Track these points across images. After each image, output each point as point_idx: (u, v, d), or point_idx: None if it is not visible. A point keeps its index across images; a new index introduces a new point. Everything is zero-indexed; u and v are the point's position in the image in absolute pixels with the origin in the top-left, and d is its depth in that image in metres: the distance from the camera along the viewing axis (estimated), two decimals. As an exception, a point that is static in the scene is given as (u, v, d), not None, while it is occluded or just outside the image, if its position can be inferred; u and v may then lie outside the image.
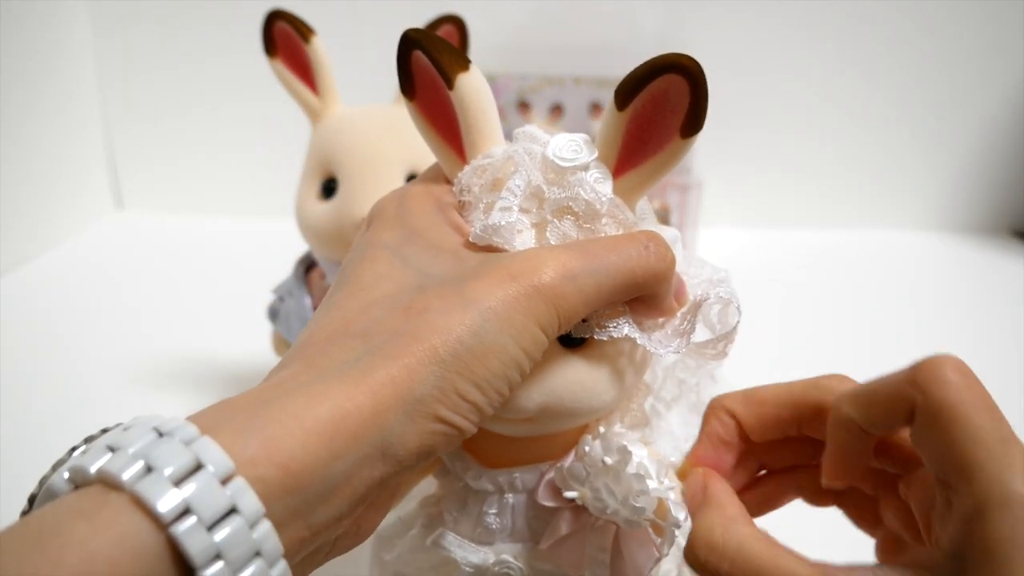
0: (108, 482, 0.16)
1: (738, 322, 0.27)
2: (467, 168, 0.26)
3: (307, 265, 0.45)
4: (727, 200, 0.90)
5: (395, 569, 0.31)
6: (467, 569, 0.28)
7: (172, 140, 0.94)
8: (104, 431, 0.19)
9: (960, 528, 0.19)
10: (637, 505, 0.25)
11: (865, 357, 0.65)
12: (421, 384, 0.19)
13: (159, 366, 0.60)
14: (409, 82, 0.26)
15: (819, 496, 0.27)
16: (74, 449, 0.19)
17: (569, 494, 0.26)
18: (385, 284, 0.22)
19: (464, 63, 0.25)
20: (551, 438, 0.28)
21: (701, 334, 0.27)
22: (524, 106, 0.85)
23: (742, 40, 0.84)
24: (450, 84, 0.25)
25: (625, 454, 0.26)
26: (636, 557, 0.27)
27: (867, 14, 0.83)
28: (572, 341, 0.25)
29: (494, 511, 0.29)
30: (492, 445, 0.28)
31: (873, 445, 0.24)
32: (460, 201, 0.26)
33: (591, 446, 0.27)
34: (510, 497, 0.29)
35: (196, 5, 0.87)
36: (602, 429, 0.28)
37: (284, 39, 0.41)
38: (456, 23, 0.41)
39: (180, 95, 0.92)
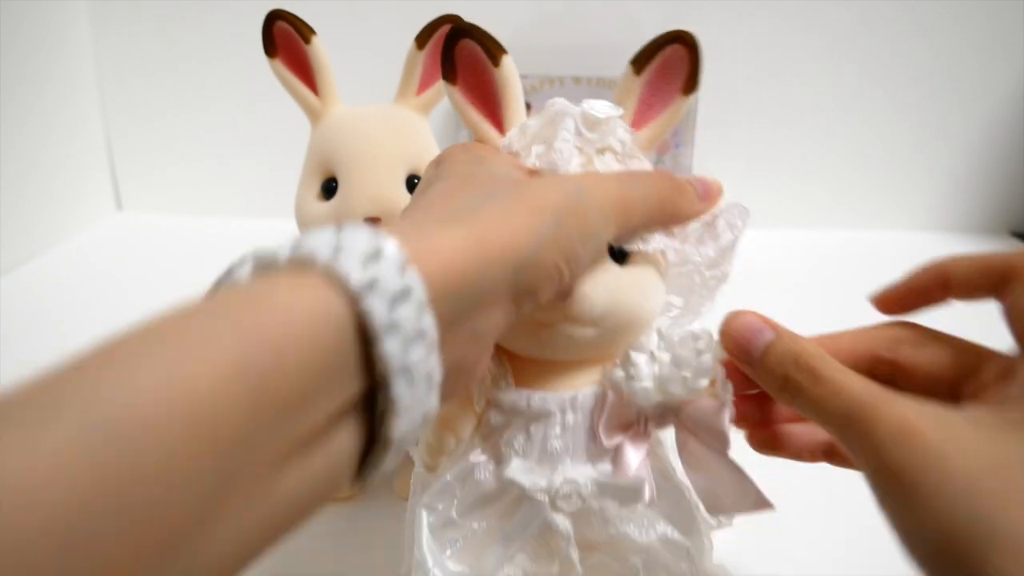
0: (302, 261, 0.18)
1: (739, 234, 0.32)
2: (511, 132, 0.31)
3: (307, 265, 0.45)
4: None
5: (453, 522, 0.32)
6: (537, 496, 0.30)
7: (171, 141, 0.94)
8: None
9: None
10: (698, 367, 0.29)
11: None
12: (543, 227, 0.23)
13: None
14: (452, 69, 0.31)
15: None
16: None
17: (638, 361, 0.30)
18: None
19: (503, 49, 0.31)
20: (602, 360, 0.32)
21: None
22: (524, 106, 0.85)
23: (742, 41, 0.84)
24: (496, 63, 0.31)
25: (669, 335, 0.31)
26: (708, 420, 0.29)
27: (867, 15, 0.83)
28: (620, 257, 0.30)
29: (557, 433, 0.31)
30: (555, 374, 0.32)
31: (931, 301, 0.29)
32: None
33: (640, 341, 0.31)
34: (570, 417, 0.31)
35: (195, 7, 0.87)
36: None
37: (284, 39, 0.41)
38: (455, 23, 0.40)
39: (179, 96, 0.92)
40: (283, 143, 0.76)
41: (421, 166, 0.41)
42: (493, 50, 0.31)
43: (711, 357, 0.29)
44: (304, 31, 0.40)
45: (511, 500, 0.31)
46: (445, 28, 0.40)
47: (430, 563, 0.31)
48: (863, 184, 0.92)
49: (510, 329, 0.26)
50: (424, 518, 0.32)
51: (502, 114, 0.32)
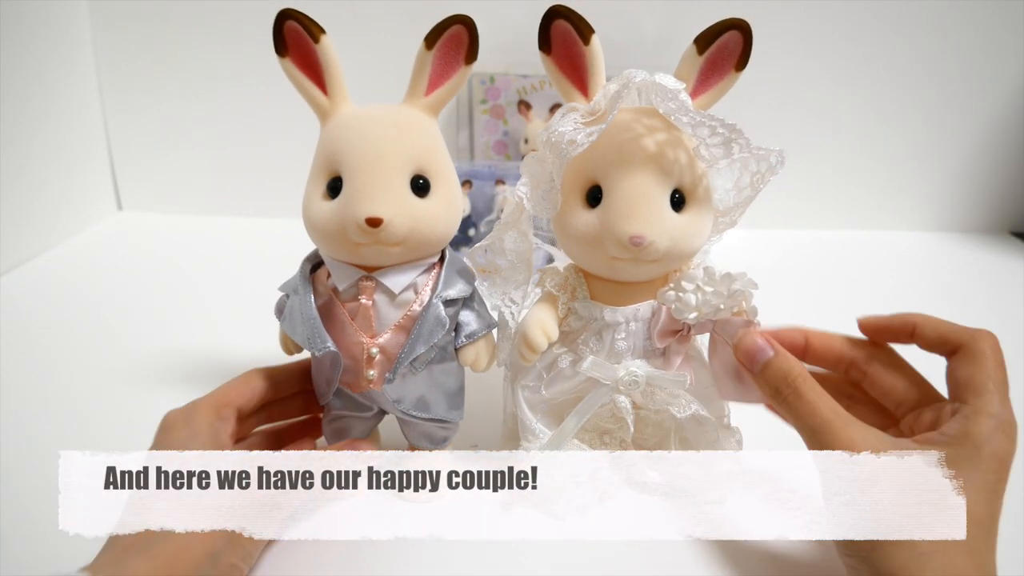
0: None
1: (760, 187, 0.40)
2: (598, 95, 0.39)
3: (313, 264, 0.45)
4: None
5: (541, 396, 0.44)
6: (605, 383, 0.42)
7: (171, 141, 0.94)
8: None
9: (960, 424, 0.33)
10: (734, 289, 0.38)
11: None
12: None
13: (161, 365, 0.60)
14: (547, 41, 0.40)
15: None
16: None
17: (688, 288, 0.39)
18: None
19: (592, 29, 0.39)
20: (656, 282, 0.42)
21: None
22: (524, 105, 0.85)
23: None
24: (586, 41, 0.39)
25: (710, 268, 0.40)
26: (734, 332, 0.39)
27: (867, 17, 0.84)
28: (677, 206, 0.39)
29: (622, 336, 0.42)
30: (620, 291, 0.42)
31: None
32: (591, 118, 0.39)
33: (689, 270, 0.40)
34: (633, 325, 0.42)
35: (195, 8, 0.87)
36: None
37: (294, 38, 0.40)
38: (466, 23, 0.40)
39: (179, 97, 0.92)
40: (282, 143, 0.76)
41: (427, 167, 0.41)
42: (585, 31, 0.38)
43: (740, 291, 0.38)
44: (314, 30, 0.40)
45: (584, 381, 0.43)
46: (456, 28, 0.40)
47: (532, 421, 0.44)
48: (864, 185, 0.93)
49: (589, 258, 0.40)
50: (520, 393, 0.44)
51: (588, 82, 0.40)
